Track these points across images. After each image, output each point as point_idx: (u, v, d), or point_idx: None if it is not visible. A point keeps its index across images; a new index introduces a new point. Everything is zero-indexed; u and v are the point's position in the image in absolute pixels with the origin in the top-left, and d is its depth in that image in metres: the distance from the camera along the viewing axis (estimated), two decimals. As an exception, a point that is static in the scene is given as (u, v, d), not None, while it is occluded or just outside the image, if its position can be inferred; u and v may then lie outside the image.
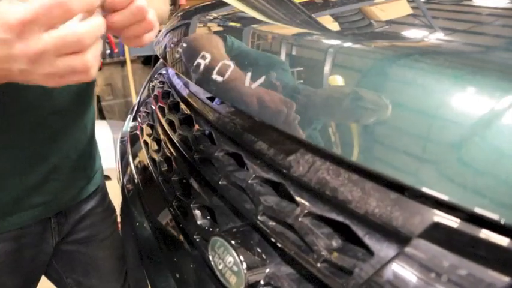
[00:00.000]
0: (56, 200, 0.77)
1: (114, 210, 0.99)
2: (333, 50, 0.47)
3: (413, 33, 0.52)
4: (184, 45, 0.68)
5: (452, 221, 0.30)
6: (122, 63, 3.59)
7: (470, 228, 0.29)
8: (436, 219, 0.31)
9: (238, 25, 0.67)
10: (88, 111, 0.83)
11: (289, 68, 0.49)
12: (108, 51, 3.45)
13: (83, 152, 0.82)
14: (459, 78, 0.32)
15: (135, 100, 3.32)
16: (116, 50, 3.47)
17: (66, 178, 0.78)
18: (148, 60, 3.75)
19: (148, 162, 0.78)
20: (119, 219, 0.99)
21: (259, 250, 0.43)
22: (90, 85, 0.80)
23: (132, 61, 3.52)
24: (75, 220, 0.84)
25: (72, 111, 0.76)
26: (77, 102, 0.77)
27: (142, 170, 0.81)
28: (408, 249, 0.31)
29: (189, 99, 0.73)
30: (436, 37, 0.47)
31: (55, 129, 0.73)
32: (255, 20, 0.68)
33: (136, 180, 0.80)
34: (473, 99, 0.30)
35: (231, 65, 0.51)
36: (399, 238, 0.33)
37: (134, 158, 0.90)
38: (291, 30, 0.60)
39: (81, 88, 0.76)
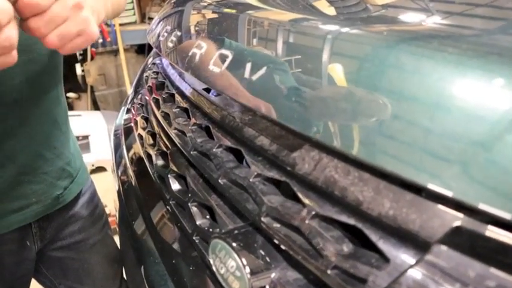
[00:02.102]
0: (36, 204, 0.72)
1: (103, 212, 0.94)
2: (337, 37, 0.44)
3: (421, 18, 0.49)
4: (179, 33, 0.64)
5: (476, 225, 0.28)
6: (115, 52, 3.53)
7: (497, 234, 0.27)
8: (458, 223, 0.29)
9: (233, 11, 0.64)
10: (54, 104, 0.75)
11: (289, 57, 0.46)
12: (100, 40, 3.38)
13: (60, 150, 0.76)
14: (485, 69, 0.29)
15: (129, 90, 3.28)
16: (108, 39, 3.40)
17: (43, 179, 0.73)
18: (142, 49, 3.69)
19: (144, 157, 0.75)
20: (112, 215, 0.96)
21: (263, 253, 0.41)
22: (48, 75, 0.72)
23: (125, 50, 3.46)
24: (59, 224, 0.80)
25: (30, 103, 0.68)
26: (34, 93, 0.69)
27: (138, 165, 0.78)
28: (429, 257, 0.28)
29: (185, 91, 0.70)
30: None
31: (12, 123, 0.66)
32: (250, 6, 0.64)
33: (131, 176, 0.77)
34: (500, 91, 0.28)
35: (229, 55, 0.48)
36: (417, 243, 0.30)
37: (129, 153, 0.87)
38: (287, 16, 0.56)
39: (36, 79, 0.68)
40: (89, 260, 0.87)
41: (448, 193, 0.27)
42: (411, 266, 0.29)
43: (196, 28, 0.68)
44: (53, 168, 0.74)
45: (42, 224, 0.76)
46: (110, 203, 2.03)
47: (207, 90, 0.63)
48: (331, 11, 0.57)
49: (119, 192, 0.81)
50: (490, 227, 0.27)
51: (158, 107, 0.75)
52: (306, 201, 0.38)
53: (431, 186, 0.28)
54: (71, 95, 3.59)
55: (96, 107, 3.67)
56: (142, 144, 0.79)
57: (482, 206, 0.26)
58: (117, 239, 0.95)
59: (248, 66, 0.46)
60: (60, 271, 0.85)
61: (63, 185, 0.77)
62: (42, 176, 0.72)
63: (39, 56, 0.67)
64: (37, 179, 0.71)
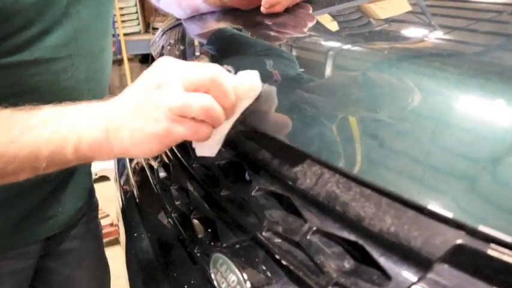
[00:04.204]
0: (62, 215, 0.72)
1: (99, 224, 0.92)
2: (337, 53, 0.45)
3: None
4: (182, 47, 0.65)
5: (478, 244, 0.28)
6: (119, 62, 3.57)
7: (500, 253, 0.27)
8: (460, 240, 0.28)
9: (236, 27, 0.64)
10: None
11: (290, 74, 0.46)
12: (105, 50, 3.40)
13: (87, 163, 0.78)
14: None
15: (132, 99, 3.28)
16: (113, 49, 3.43)
17: (70, 192, 0.72)
18: (146, 59, 3.72)
19: (146, 168, 0.76)
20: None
21: (264, 268, 0.40)
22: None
23: (129, 59, 3.49)
24: (65, 233, 0.79)
25: None
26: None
27: (140, 177, 0.78)
28: (431, 275, 0.28)
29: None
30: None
31: None
32: (254, 23, 0.65)
33: (133, 188, 0.77)
34: (502, 112, 0.28)
35: (231, 70, 0.48)
36: (419, 261, 0.30)
37: (131, 163, 0.87)
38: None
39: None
40: (74, 277, 0.83)
41: (448, 214, 0.27)
42: (413, 284, 0.29)
43: (199, 41, 0.69)
44: (79, 180, 0.75)
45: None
46: (113, 212, 2.04)
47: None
48: (333, 26, 0.58)
49: (120, 202, 0.82)
50: (493, 245, 0.27)
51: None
52: (307, 216, 0.38)
53: (431, 207, 0.28)
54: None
55: (99, 116, 3.69)
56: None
57: (483, 228, 0.25)
58: (117, 249, 0.93)
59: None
60: (45, 284, 0.80)
61: (84, 196, 0.78)
62: (69, 188, 0.72)
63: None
64: (65, 190, 0.72)
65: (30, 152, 0.41)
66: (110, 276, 0.94)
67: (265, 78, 0.45)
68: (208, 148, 0.45)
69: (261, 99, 0.44)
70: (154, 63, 0.43)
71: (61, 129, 0.41)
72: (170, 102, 0.39)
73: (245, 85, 0.42)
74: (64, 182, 0.71)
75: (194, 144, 0.46)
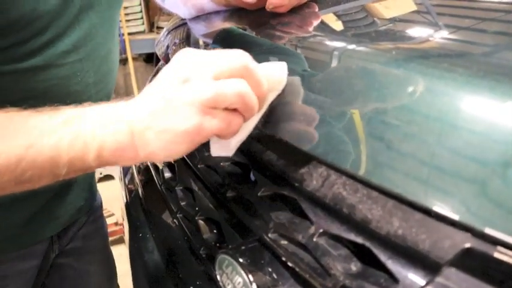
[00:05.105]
0: (66, 214, 0.72)
1: (105, 222, 0.93)
2: (343, 53, 0.44)
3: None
4: (187, 47, 0.65)
5: (488, 247, 0.27)
6: (124, 61, 3.57)
7: (507, 256, 0.26)
8: (469, 244, 0.28)
9: (241, 27, 0.64)
10: None
11: (296, 76, 0.46)
12: (109, 49, 3.42)
13: None
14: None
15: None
16: (117, 48, 3.44)
17: (72, 190, 0.73)
18: (151, 58, 3.73)
19: (151, 167, 0.76)
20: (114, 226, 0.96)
21: (270, 270, 0.40)
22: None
23: (133, 59, 3.49)
24: (74, 232, 0.80)
25: None
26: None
27: (145, 176, 0.78)
28: (439, 279, 0.28)
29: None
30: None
31: None
32: (259, 23, 0.65)
33: (138, 187, 0.77)
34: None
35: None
36: (427, 264, 0.30)
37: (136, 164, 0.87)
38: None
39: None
40: (86, 270, 0.85)
41: (457, 217, 0.27)
42: (421, 288, 0.29)
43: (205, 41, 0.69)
44: (81, 180, 0.75)
45: (60, 232, 0.76)
46: (118, 211, 2.04)
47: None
48: (338, 25, 0.57)
49: (125, 201, 0.82)
50: (500, 248, 0.27)
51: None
52: (314, 218, 0.37)
53: (440, 210, 0.28)
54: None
55: (104, 115, 3.70)
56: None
57: (491, 231, 0.25)
58: (122, 248, 0.94)
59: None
60: (57, 280, 0.82)
61: (85, 195, 0.78)
62: (74, 187, 0.73)
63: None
64: (71, 189, 0.72)
65: (49, 158, 0.39)
66: (116, 272, 0.97)
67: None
68: (227, 148, 0.43)
69: (285, 92, 0.41)
70: (174, 57, 0.40)
71: (82, 135, 0.39)
72: (202, 95, 0.36)
73: (274, 76, 0.40)
74: (70, 181, 0.72)
75: (212, 142, 0.43)
